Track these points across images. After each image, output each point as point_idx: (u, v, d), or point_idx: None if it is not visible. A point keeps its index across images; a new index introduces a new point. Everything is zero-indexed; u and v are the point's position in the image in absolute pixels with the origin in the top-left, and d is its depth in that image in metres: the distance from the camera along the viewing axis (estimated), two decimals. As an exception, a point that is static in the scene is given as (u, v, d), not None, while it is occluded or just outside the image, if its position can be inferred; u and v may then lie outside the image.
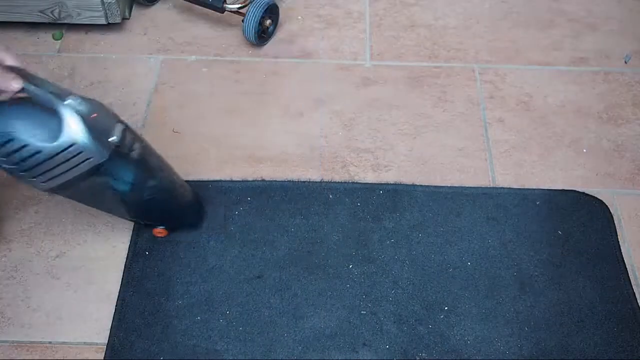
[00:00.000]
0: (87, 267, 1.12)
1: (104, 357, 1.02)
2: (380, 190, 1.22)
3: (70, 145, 0.87)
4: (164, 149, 1.28)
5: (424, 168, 1.26)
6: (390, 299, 1.08)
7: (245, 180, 1.23)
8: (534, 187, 1.23)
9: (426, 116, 1.35)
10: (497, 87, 1.41)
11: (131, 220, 1.14)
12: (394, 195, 1.21)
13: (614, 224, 1.18)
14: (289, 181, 1.23)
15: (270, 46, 1.48)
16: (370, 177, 1.25)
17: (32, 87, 0.84)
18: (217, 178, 1.24)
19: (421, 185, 1.23)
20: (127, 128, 0.95)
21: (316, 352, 1.03)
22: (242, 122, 1.34)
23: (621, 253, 1.14)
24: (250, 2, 1.42)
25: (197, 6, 1.50)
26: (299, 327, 1.05)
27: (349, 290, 1.09)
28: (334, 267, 1.11)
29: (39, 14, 1.42)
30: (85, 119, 0.87)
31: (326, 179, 1.24)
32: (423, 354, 1.02)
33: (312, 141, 1.30)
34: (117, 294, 1.09)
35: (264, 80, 1.41)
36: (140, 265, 1.12)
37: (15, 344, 1.04)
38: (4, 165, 0.89)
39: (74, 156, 0.88)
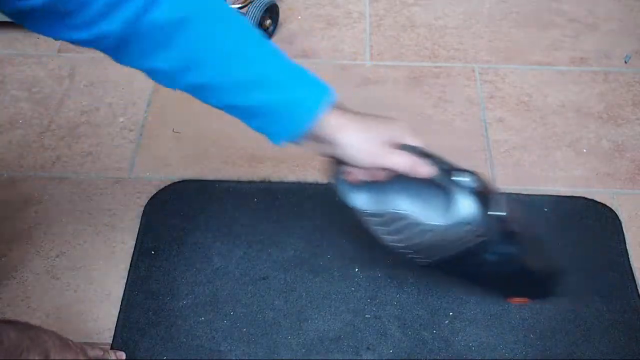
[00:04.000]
0: (87, 267, 1.12)
1: (107, 357, 1.02)
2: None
3: (463, 224, 0.85)
4: (164, 149, 1.28)
5: (424, 168, 1.26)
6: (395, 304, 1.08)
7: (252, 181, 1.23)
8: (535, 188, 1.23)
9: (426, 116, 1.35)
10: (497, 87, 1.41)
11: (494, 294, 1.08)
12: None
13: (623, 232, 1.17)
14: (296, 183, 1.23)
15: (270, 46, 1.48)
16: (370, 177, 1.24)
17: (435, 169, 0.83)
18: (219, 178, 1.24)
19: (429, 189, 1.22)
20: (507, 199, 0.91)
21: (319, 354, 1.02)
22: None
23: (629, 262, 1.13)
24: (250, 2, 1.42)
25: (197, 6, 1.50)
26: (303, 330, 1.05)
27: (354, 293, 1.09)
28: (340, 270, 1.11)
29: (39, 13, 1.42)
30: (476, 196, 0.85)
31: (326, 179, 1.24)
32: (427, 359, 1.02)
33: (312, 141, 1.30)
34: (118, 293, 1.08)
35: (264, 80, 1.41)
36: (146, 265, 1.12)
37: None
38: (393, 243, 0.89)
39: (464, 234, 0.86)
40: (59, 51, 1.45)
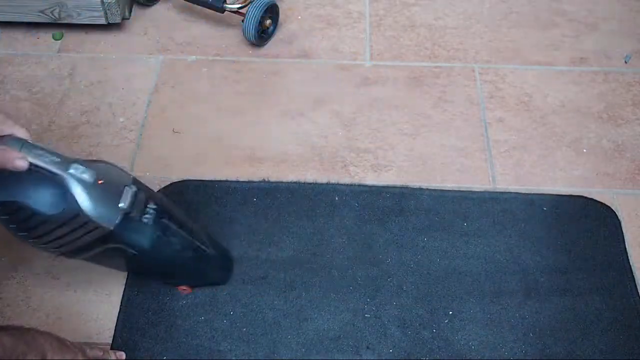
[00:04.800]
0: (87, 267, 1.12)
1: (107, 357, 1.02)
2: (387, 193, 1.22)
3: (75, 216, 0.85)
4: (164, 149, 1.28)
5: (424, 168, 1.26)
6: (395, 303, 1.08)
7: (251, 181, 1.23)
8: (535, 187, 1.23)
9: (426, 116, 1.35)
10: (497, 87, 1.41)
11: (152, 282, 1.10)
12: (400, 199, 1.21)
13: (622, 231, 1.17)
14: (295, 182, 1.23)
15: (270, 46, 1.48)
16: (370, 177, 1.25)
17: (36, 161, 0.83)
18: (220, 178, 1.24)
19: (427, 189, 1.22)
20: (138, 190, 0.92)
21: (319, 354, 1.02)
22: (242, 122, 1.34)
23: (628, 260, 1.13)
24: (250, 2, 1.42)
25: (197, 6, 1.50)
26: (302, 329, 1.05)
27: (354, 293, 1.09)
28: (339, 269, 1.11)
29: (39, 14, 1.42)
30: (90, 187, 0.85)
31: (326, 179, 1.24)
32: (427, 359, 1.02)
33: (312, 141, 1.30)
34: (118, 293, 1.08)
35: (264, 80, 1.41)
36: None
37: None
38: (18, 233, 0.88)
39: (81, 226, 0.87)
40: (59, 51, 1.45)
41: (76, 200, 0.85)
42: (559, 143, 1.31)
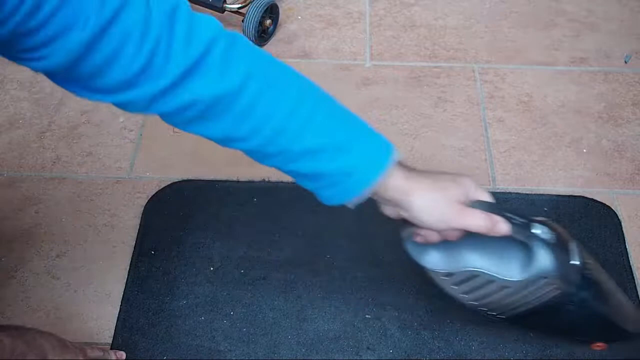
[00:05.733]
0: (87, 267, 1.12)
1: (107, 356, 1.02)
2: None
3: (540, 278, 0.82)
4: (164, 149, 1.28)
5: (424, 168, 1.26)
6: (395, 304, 1.07)
7: (251, 181, 1.23)
8: (535, 188, 1.23)
9: (426, 116, 1.35)
10: (497, 87, 1.41)
11: (576, 342, 1.04)
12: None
13: (622, 231, 1.17)
14: (295, 182, 1.23)
15: (270, 46, 1.48)
16: (370, 177, 1.24)
17: (511, 225, 0.79)
18: (220, 178, 1.24)
19: (428, 189, 1.22)
20: (581, 244, 0.88)
21: (319, 354, 1.02)
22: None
23: (628, 260, 1.13)
24: (250, 2, 1.42)
25: (197, 6, 1.50)
26: (302, 329, 1.05)
27: (354, 293, 1.09)
28: (340, 270, 1.11)
29: (39, 13, 1.42)
30: (553, 248, 0.82)
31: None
32: (427, 359, 1.02)
33: (312, 141, 1.30)
34: (118, 293, 1.08)
35: (264, 80, 1.41)
36: (146, 265, 1.12)
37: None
38: (469, 302, 0.87)
39: (542, 287, 0.83)
40: (59, 51, 1.45)
41: (540, 262, 0.81)
42: (559, 143, 1.31)
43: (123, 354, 1.00)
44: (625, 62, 1.46)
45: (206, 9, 1.49)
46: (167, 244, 1.14)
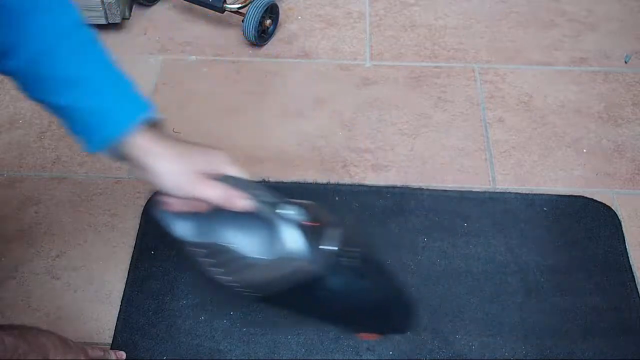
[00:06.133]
0: (87, 267, 1.12)
1: (107, 356, 1.02)
2: (387, 193, 1.21)
3: (287, 259, 0.81)
4: (164, 149, 1.28)
5: (424, 168, 1.26)
6: (395, 304, 1.08)
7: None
8: (535, 188, 1.23)
9: (426, 116, 1.35)
10: (497, 87, 1.41)
11: (338, 329, 1.04)
12: (401, 199, 1.21)
13: (622, 231, 1.17)
14: (295, 182, 1.23)
15: (270, 46, 1.48)
16: (370, 177, 1.25)
17: (255, 202, 0.79)
18: (218, 178, 1.24)
19: (427, 189, 1.22)
20: (344, 232, 0.86)
21: (319, 354, 1.02)
22: (242, 122, 1.34)
23: (629, 261, 1.13)
24: (250, 2, 1.42)
25: (197, 6, 1.50)
26: (302, 329, 1.05)
27: (354, 293, 1.09)
28: (339, 269, 1.11)
29: (39, 13, 1.42)
30: (303, 229, 0.81)
31: (326, 179, 1.24)
32: (427, 359, 1.02)
33: (312, 141, 1.30)
34: (118, 293, 1.09)
35: (264, 80, 1.41)
36: (146, 265, 1.12)
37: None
38: (219, 276, 0.85)
39: (290, 268, 0.82)
40: (59, 51, 1.45)
41: (287, 242, 0.80)
42: (559, 143, 1.31)
43: (123, 354, 1.00)
44: (625, 62, 1.46)
45: (206, 9, 1.49)
46: (167, 244, 1.14)
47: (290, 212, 0.81)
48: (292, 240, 0.80)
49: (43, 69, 0.74)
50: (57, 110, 0.76)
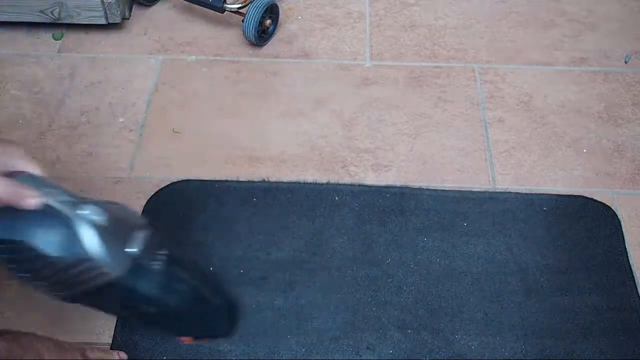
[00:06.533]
0: (87, 267, 1.12)
1: (107, 357, 1.02)
2: (387, 193, 1.22)
3: (84, 260, 0.79)
4: (164, 149, 1.28)
5: (424, 168, 1.26)
6: (395, 303, 1.08)
7: (251, 181, 1.23)
8: (535, 188, 1.23)
9: (426, 116, 1.35)
10: (497, 87, 1.41)
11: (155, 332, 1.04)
12: (400, 199, 1.21)
13: (622, 231, 1.17)
14: (295, 182, 1.23)
15: (270, 46, 1.48)
16: (370, 177, 1.25)
17: (47, 199, 0.77)
18: (220, 178, 1.24)
19: (427, 189, 1.22)
20: (152, 234, 0.85)
21: (319, 354, 1.02)
22: (242, 122, 1.34)
23: (628, 260, 1.13)
24: (250, 2, 1.42)
25: (197, 6, 1.50)
26: (302, 329, 1.05)
27: (354, 293, 1.09)
28: (339, 270, 1.11)
29: (39, 14, 1.42)
30: (102, 231, 0.79)
31: (326, 179, 1.24)
32: (427, 359, 1.02)
33: (312, 141, 1.30)
34: (118, 294, 1.09)
35: (264, 80, 1.41)
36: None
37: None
38: (18, 274, 0.81)
39: (89, 270, 0.80)
40: (59, 51, 1.45)
41: (84, 243, 0.78)
42: (559, 143, 1.31)
43: (125, 355, 1.00)
44: (625, 62, 1.46)
45: (206, 9, 1.49)
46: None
47: (89, 212, 0.79)
48: (89, 241, 0.78)
49: None
50: None
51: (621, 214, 1.20)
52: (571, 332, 1.05)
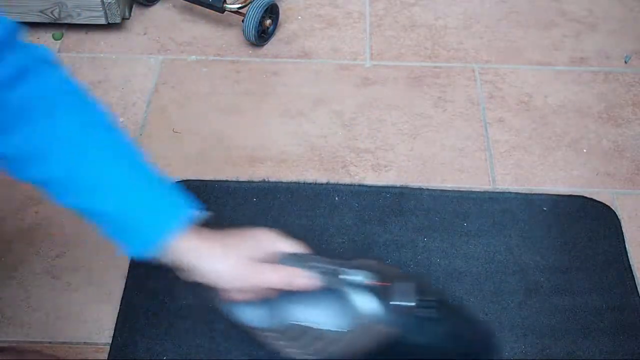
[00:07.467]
0: (87, 267, 1.12)
1: (108, 356, 1.02)
2: (387, 193, 1.21)
3: (367, 323, 0.77)
4: (164, 149, 1.28)
5: (424, 168, 1.26)
6: (394, 303, 1.07)
7: (251, 181, 1.23)
8: (535, 188, 1.23)
9: (426, 116, 1.35)
10: (497, 87, 1.41)
11: None
12: (400, 199, 1.21)
13: (622, 231, 1.17)
14: (295, 182, 1.23)
15: (270, 46, 1.48)
16: (370, 177, 1.25)
17: (318, 275, 0.76)
18: (220, 178, 1.24)
19: (427, 189, 1.22)
20: (416, 283, 0.82)
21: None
22: (242, 122, 1.34)
23: (628, 260, 1.13)
24: (250, 2, 1.42)
25: (197, 6, 1.50)
26: (301, 328, 1.05)
27: (353, 293, 1.09)
28: (339, 270, 1.11)
29: (39, 14, 1.42)
30: (372, 290, 0.77)
31: (326, 179, 1.24)
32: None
33: (312, 141, 1.30)
34: (118, 293, 1.09)
35: (264, 80, 1.41)
36: (145, 265, 1.11)
37: (15, 344, 1.04)
38: (303, 357, 0.81)
39: (372, 332, 0.78)
40: (59, 51, 1.45)
41: (360, 309, 0.76)
42: (559, 143, 1.31)
43: None
44: (625, 62, 1.46)
45: (206, 9, 1.49)
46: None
47: (355, 276, 0.77)
48: (365, 304, 0.76)
49: (75, 175, 0.70)
50: (92, 215, 0.72)
51: (621, 214, 1.20)
52: (571, 332, 1.05)
